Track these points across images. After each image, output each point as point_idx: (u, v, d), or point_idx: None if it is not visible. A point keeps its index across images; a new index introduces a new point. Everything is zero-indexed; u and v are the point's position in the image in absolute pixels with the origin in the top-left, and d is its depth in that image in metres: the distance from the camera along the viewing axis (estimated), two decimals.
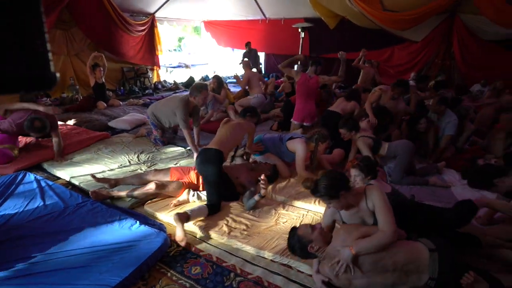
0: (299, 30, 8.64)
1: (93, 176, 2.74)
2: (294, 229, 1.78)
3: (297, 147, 2.87)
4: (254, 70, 7.59)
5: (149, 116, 3.81)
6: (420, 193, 2.77)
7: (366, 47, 8.29)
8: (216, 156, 2.47)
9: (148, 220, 2.32)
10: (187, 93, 3.73)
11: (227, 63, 14.31)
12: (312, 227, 1.76)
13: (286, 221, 2.33)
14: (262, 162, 2.96)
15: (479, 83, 6.43)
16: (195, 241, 2.17)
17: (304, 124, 4.21)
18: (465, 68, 7.22)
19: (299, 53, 8.98)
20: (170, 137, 4.14)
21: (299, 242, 1.70)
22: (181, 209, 2.36)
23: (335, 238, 1.71)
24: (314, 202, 2.52)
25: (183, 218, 2.15)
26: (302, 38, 8.71)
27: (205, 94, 3.49)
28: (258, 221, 2.33)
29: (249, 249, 2.03)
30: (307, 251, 1.67)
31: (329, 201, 1.71)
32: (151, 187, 2.50)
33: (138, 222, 2.17)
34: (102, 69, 5.66)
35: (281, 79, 9.06)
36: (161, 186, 2.53)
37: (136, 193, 2.53)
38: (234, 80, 10.38)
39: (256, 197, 2.40)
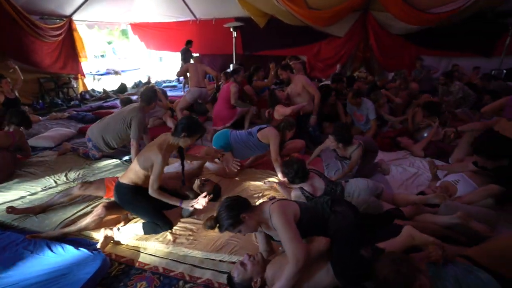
0: (231, 29, 8.72)
1: (10, 209, 2.36)
2: (230, 280, 1.66)
3: (271, 135, 2.89)
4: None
5: (92, 138, 3.40)
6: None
7: (296, 43, 8.84)
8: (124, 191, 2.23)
9: (83, 242, 2.13)
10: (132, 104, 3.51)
11: (161, 66, 13.76)
12: (242, 264, 1.66)
13: None
14: (206, 183, 2.61)
15: (393, 73, 7.24)
16: (138, 255, 2.05)
17: (217, 128, 4.32)
18: (382, 58, 8.13)
19: (233, 52, 9.09)
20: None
21: (241, 285, 1.62)
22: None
23: (270, 268, 1.65)
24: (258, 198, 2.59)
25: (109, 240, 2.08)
26: (235, 37, 8.83)
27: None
28: None
29: (196, 253, 2.00)
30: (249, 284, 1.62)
31: (236, 230, 1.61)
32: (100, 212, 2.20)
33: (70, 246, 1.97)
34: (9, 80, 4.81)
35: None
36: (110, 206, 2.27)
37: (84, 224, 2.19)
38: (172, 84, 10.08)
39: (191, 208, 2.21)
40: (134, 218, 2.41)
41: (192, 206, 2.08)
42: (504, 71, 7.01)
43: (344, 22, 7.95)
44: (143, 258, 2.03)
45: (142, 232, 2.17)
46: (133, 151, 3.13)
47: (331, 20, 7.58)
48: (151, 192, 2.10)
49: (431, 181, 2.90)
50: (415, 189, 2.87)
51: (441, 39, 7.63)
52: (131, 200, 2.21)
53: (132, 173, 2.19)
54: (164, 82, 10.28)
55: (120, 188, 2.22)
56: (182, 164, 2.44)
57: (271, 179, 2.96)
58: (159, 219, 2.21)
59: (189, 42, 8.63)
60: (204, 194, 2.12)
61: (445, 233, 1.88)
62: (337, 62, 8.19)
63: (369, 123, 4.16)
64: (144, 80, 9.83)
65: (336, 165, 3.24)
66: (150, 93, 3.39)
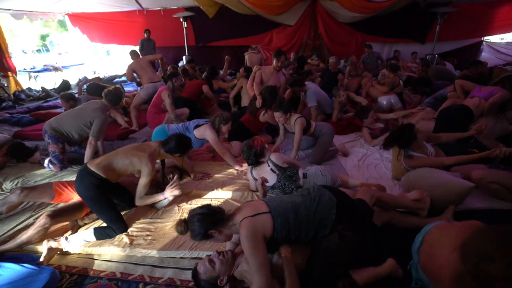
0: (181, 20, 8.41)
1: None
2: (196, 275, 1.60)
3: (206, 133, 2.88)
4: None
5: (48, 130, 3.09)
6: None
7: (248, 33, 8.82)
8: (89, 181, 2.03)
9: (25, 258, 1.94)
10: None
11: (109, 61, 12.85)
12: (210, 262, 1.59)
13: None
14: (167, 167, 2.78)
15: (342, 59, 7.59)
16: (92, 263, 1.93)
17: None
18: (331, 46, 8.47)
19: (185, 43, 8.80)
20: (72, 156, 3.45)
21: (208, 284, 1.57)
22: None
23: (242, 263, 1.61)
24: (217, 188, 2.58)
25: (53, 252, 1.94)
26: (185, 28, 8.54)
27: None
28: (162, 222, 2.24)
29: (155, 253, 1.94)
30: (219, 286, 1.59)
31: (207, 241, 1.61)
32: (44, 222, 2.01)
33: (11, 264, 1.78)
34: None
35: None
36: (56, 214, 2.08)
37: (26, 238, 1.98)
38: (123, 79, 9.46)
39: (171, 197, 2.24)
40: (86, 224, 2.26)
41: (173, 194, 2.17)
42: (436, 55, 7.73)
43: (294, 11, 8.11)
44: (98, 265, 1.92)
45: (94, 238, 2.04)
46: (89, 149, 2.94)
47: (281, 8, 7.67)
48: (138, 201, 2.13)
49: None
50: (366, 168, 3.08)
51: (383, 27, 8.17)
52: (98, 195, 2.05)
53: (107, 166, 2.06)
54: (113, 77, 9.62)
55: (90, 176, 2.02)
56: (163, 165, 2.60)
57: (230, 170, 2.97)
58: (118, 220, 2.11)
59: (146, 31, 7.94)
60: (174, 180, 2.20)
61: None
62: (290, 51, 8.35)
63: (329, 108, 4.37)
64: (90, 76, 9.09)
65: (289, 152, 3.37)
66: (118, 94, 3.18)
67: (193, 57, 8.30)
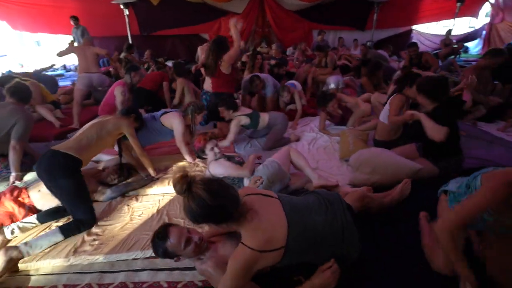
0: (121, 6, 7.79)
1: None
2: (158, 239, 1.42)
3: (174, 121, 2.70)
4: None
5: None
6: None
7: (195, 21, 8.51)
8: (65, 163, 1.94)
9: None
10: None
11: (40, 52, 11.46)
12: (187, 241, 1.41)
13: (142, 213, 2.19)
14: (108, 167, 2.63)
15: (291, 46, 7.75)
16: (28, 280, 1.74)
17: None
18: (279, 33, 8.60)
19: (128, 33, 8.19)
20: None
21: (164, 253, 1.43)
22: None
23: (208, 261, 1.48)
24: (168, 183, 2.48)
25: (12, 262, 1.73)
26: (127, 15, 7.94)
27: None
28: (111, 224, 2.09)
29: (103, 258, 1.81)
30: (171, 257, 1.46)
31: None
32: None
33: None
34: None
35: None
36: None
37: None
38: (58, 73, 8.52)
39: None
40: (15, 237, 2.01)
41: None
42: (372, 42, 8.35)
43: None
44: (36, 281, 1.73)
45: (61, 236, 1.89)
46: (15, 155, 2.49)
47: None
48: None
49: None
50: (316, 151, 3.23)
51: (328, 15, 8.51)
52: (79, 180, 1.99)
53: (80, 145, 2.04)
54: (45, 70, 8.61)
55: (66, 158, 1.94)
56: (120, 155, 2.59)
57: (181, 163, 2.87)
58: (92, 212, 2.06)
59: (72, 18, 7.12)
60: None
61: None
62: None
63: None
64: (17, 69, 8.01)
65: (244, 141, 3.50)
66: (25, 90, 2.79)
67: (137, 46, 7.79)
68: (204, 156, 2.40)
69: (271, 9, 8.27)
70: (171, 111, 2.83)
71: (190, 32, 8.68)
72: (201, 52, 6.43)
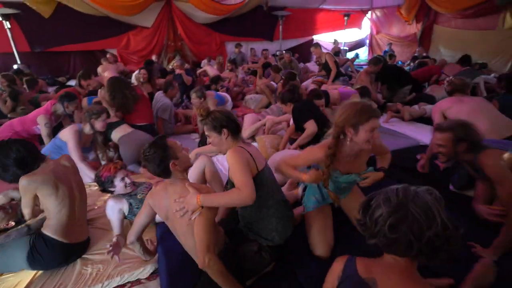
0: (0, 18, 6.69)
1: None
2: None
3: (66, 135, 2.54)
4: None
5: None
6: None
7: (100, 35, 7.89)
8: None
9: None
10: None
11: None
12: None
13: None
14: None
15: (205, 59, 7.86)
16: None
17: None
18: (192, 46, 8.65)
19: (13, 49, 7.05)
20: None
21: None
22: None
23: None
24: None
25: None
26: (9, 28, 6.83)
27: None
28: None
29: None
30: (163, 166, 1.39)
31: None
32: None
33: None
34: None
35: None
36: None
37: None
38: None
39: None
40: None
41: None
42: (284, 51, 9.14)
43: (149, 12, 7.79)
44: None
45: None
46: None
47: (133, 9, 7.25)
48: None
49: None
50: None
51: (238, 27, 8.95)
52: None
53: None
54: None
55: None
56: None
57: None
58: None
59: None
60: None
61: None
62: (151, 53, 8.04)
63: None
64: None
65: None
66: None
67: (29, 66, 6.82)
68: (111, 189, 1.98)
69: (182, 22, 8.25)
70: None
71: (96, 47, 7.99)
72: (101, 71, 5.96)
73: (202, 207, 1.33)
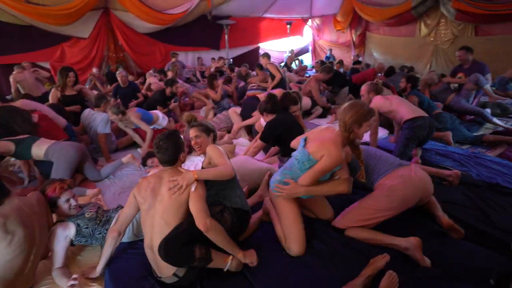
0: None
1: None
2: None
3: None
4: None
5: None
6: None
7: (29, 47, 7.15)
8: None
9: None
10: None
11: None
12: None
13: None
14: None
15: (151, 70, 7.59)
16: None
17: None
18: (136, 57, 8.31)
19: None
20: None
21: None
22: None
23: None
24: None
25: None
26: None
27: None
28: None
29: None
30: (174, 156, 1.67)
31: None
32: None
33: None
34: None
35: None
36: None
37: None
38: None
39: None
40: None
41: None
42: (231, 59, 9.28)
43: (84, 22, 7.30)
44: None
45: None
46: None
47: (66, 19, 6.73)
48: None
49: None
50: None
51: (184, 37, 8.83)
52: None
53: None
54: None
55: None
56: None
57: None
58: None
59: None
60: None
61: None
62: (91, 65, 7.53)
63: None
64: None
65: None
66: None
67: None
68: (54, 210, 1.85)
69: (122, 32, 7.86)
70: None
71: (22, 60, 7.18)
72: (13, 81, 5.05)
73: (197, 181, 1.60)
